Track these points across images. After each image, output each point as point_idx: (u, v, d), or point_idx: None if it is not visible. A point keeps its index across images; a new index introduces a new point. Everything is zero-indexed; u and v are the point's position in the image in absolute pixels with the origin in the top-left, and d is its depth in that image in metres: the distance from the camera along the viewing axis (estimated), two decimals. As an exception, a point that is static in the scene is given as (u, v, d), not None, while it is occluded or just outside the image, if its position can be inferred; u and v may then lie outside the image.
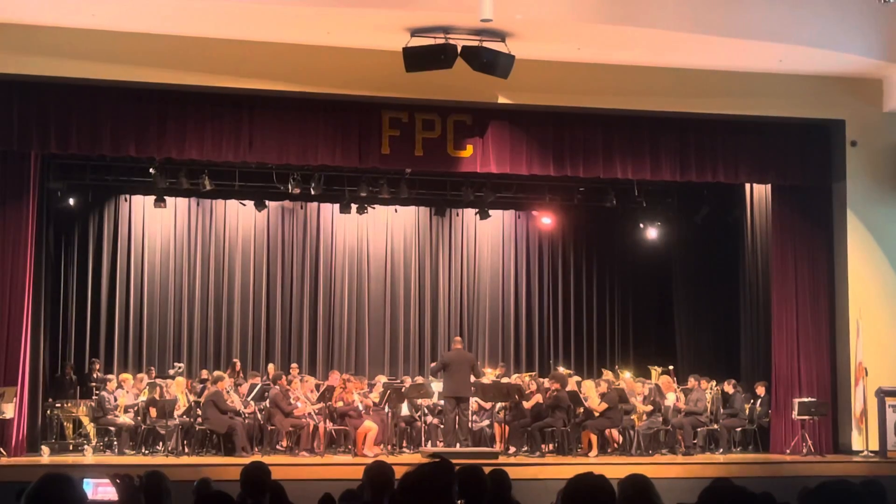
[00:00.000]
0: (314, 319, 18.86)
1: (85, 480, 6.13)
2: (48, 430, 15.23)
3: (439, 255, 19.51)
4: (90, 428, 15.16)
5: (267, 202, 18.10)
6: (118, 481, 3.98)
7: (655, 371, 16.83)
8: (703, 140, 15.46)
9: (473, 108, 14.65)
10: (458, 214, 19.56)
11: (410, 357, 19.14)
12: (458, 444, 14.37)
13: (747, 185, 17.01)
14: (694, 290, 19.15)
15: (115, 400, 14.88)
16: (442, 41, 13.05)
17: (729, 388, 16.09)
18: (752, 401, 16.13)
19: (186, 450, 14.38)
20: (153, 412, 14.68)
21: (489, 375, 16.54)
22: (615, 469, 11.06)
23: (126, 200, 18.19)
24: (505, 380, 16.39)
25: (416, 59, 12.98)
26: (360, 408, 14.69)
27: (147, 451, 14.56)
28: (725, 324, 18.41)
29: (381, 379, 16.26)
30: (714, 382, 16.27)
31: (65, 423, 15.53)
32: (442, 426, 15.16)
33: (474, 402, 15.51)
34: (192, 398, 14.94)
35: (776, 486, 12.85)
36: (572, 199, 18.50)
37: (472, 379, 14.93)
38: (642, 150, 15.23)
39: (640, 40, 13.80)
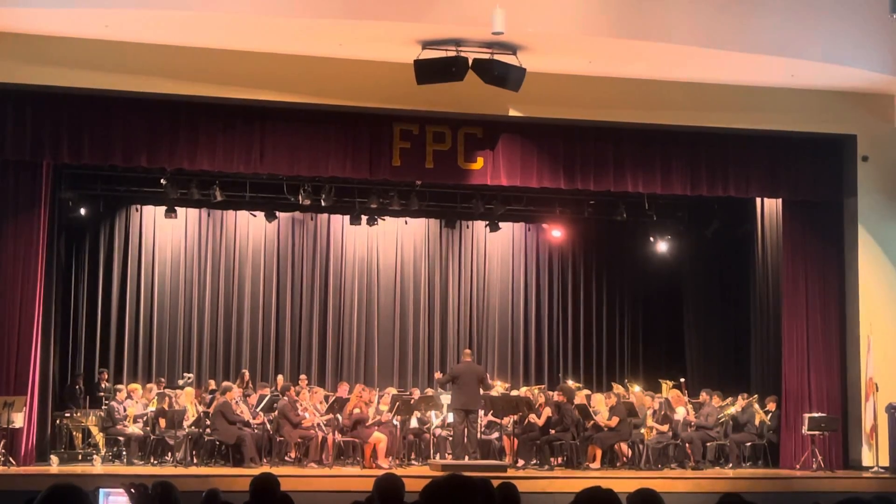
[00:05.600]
0: (323, 331, 18.86)
1: (100, 490, 6.13)
2: (57, 440, 15.24)
3: (449, 267, 19.51)
4: (99, 438, 15.18)
5: (277, 213, 18.12)
6: (132, 490, 3.98)
7: (666, 385, 16.80)
8: (714, 154, 15.45)
9: (484, 121, 14.67)
10: (468, 227, 19.56)
11: (420, 369, 19.14)
12: (466, 457, 14.35)
13: (758, 200, 16.99)
14: (704, 304, 19.12)
15: (125, 410, 14.88)
16: (453, 54, 13.07)
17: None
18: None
19: (195, 460, 14.38)
20: (162, 422, 14.69)
21: (498, 388, 16.53)
22: (624, 483, 11.05)
23: (137, 211, 18.23)
24: (513, 392, 16.36)
25: (428, 71, 13.00)
26: (376, 412, 14.74)
27: (156, 462, 14.56)
28: (735, 338, 18.38)
29: (391, 391, 16.25)
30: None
31: (74, 433, 15.55)
32: (451, 438, 15.15)
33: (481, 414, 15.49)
34: (201, 409, 14.94)
35: (786, 501, 12.86)
36: (583, 213, 18.48)
37: (481, 392, 14.91)
38: (653, 163, 15.23)
39: (651, 54, 13.81)
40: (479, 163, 14.79)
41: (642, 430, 15.28)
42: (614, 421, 14.78)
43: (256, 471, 8.94)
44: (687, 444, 15.23)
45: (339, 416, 14.86)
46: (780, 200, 16.35)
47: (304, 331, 18.76)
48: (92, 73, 13.48)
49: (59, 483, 3.31)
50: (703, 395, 16.17)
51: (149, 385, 16.19)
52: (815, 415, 15.10)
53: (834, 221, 15.83)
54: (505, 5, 12.03)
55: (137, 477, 11.92)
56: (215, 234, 18.62)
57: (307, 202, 17.13)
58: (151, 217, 18.24)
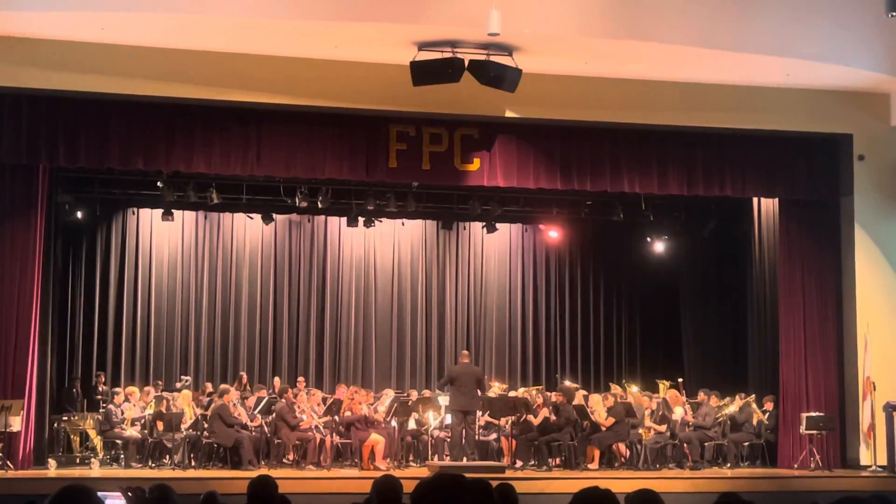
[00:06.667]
0: (321, 333, 18.85)
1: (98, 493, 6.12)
2: (55, 443, 15.21)
3: (446, 268, 19.50)
4: (97, 441, 15.17)
5: (274, 215, 18.10)
6: (129, 494, 3.98)
7: (664, 385, 16.80)
8: (711, 154, 15.45)
9: (480, 122, 14.67)
10: (465, 228, 19.55)
11: (417, 370, 19.13)
12: (464, 458, 14.35)
13: (755, 200, 16.98)
14: (701, 304, 19.14)
15: (122, 413, 14.89)
16: (449, 55, 13.07)
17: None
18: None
19: (193, 463, 14.37)
20: (160, 425, 14.67)
21: (496, 389, 16.53)
22: (622, 483, 11.04)
23: (134, 214, 18.21)
24: (511, 393, 16.36)
25: (424, 72, 13.00)
26: (367, 411, 14.71)
27: (154, 465, 14.55)
28: (733, 338, 18.39)
29: (388, 392, 16.25)
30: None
31: (72, 436, 15.53)
32: (449, 440, 15.14)
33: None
34: (198, 411, 14.94)
35: (784, 500, 12.87)
36: (579, 213, 18.49)
37: (479, 393, 14.91)
38: (650, 163, 15.24)
39: (647, 54, 13.82)
40: (475, 164, 14.79)
41: (640, 431, 15.27)
42: (610, 421, 14.78)
43: (254, 473, 8.93)
44: (685, 444, 15.23)
45: (336, 417, 14.86)
46: (776, 200, 16.35)
47: (301, 333, 18.75)
48: (88, 76, 13.47)
49: (71, 484, 3.32)
50: (701, 395, 16.17)
51: (146, 388, 16.18)
52: (813, 414, 15.11)
53: (830, 221, 15.85)
54: (500, 6, 12.03)
55: (135, 480, 11.91)
56: (212, 236, 18.61)
57: (304, 204, 17.11)
58: (148, 220, 18.23)
